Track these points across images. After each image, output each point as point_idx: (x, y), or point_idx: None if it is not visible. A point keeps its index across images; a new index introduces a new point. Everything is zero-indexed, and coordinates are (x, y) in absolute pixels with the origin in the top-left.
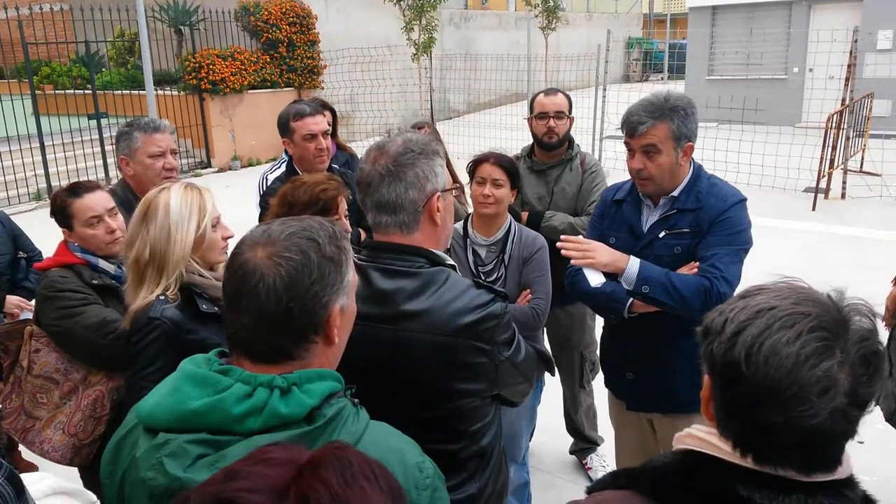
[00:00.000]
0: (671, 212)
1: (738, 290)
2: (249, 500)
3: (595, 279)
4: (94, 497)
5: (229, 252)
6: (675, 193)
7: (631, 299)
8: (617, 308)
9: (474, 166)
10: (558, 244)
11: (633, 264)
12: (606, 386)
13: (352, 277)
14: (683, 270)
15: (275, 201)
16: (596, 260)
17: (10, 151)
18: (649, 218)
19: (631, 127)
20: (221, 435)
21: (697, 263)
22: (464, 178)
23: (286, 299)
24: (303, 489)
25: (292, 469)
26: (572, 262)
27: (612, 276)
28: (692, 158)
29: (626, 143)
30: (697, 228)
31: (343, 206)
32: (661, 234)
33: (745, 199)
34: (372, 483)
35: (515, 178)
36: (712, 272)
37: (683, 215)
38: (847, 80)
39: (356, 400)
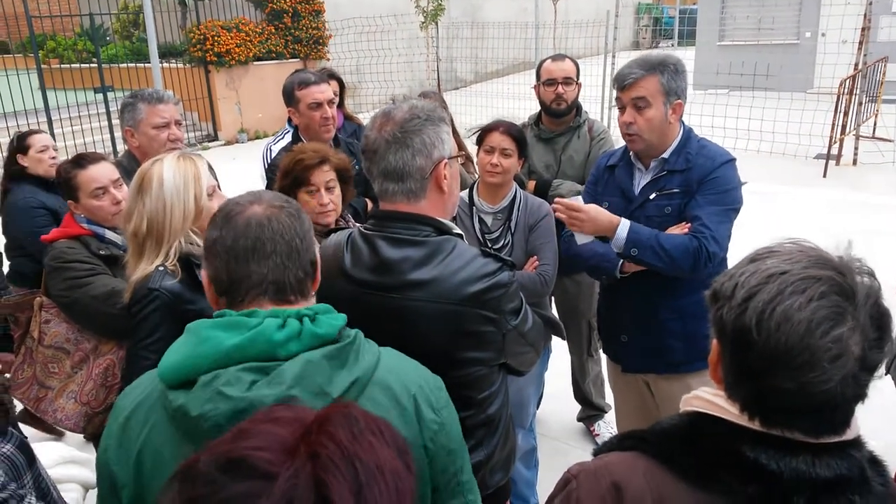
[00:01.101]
0: (661, 174)
1: (743, 253)
2: (260, 457)
3: (581, 237)
4: None
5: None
6: (666, 156)
7: (622, 260)
8: (608, 269)
9: (483, 135)
10: (553, 205)
11: (622, 228)
12: (604, 351)
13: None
14: (674, 230)
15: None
16: (582, 229)
17: (18, 126)
18: (641, 181)
19: (622, 80)
20: (267, 362)
21: (688, 224)
22: (470, 147)
23: (297, 236)
24: (312, 445)
25: (300, 427)
26: (568, 225)
27: (604, 238)
28: (682, 121)
29: (617, 98)
30: (687, 188)
31: (321, 178)
32: (652, 196)
33: (734, 159)
34: (378, 438)
35: (523, 147)
36: (701, 232)
37: (673, 176)
38: (860, 43)
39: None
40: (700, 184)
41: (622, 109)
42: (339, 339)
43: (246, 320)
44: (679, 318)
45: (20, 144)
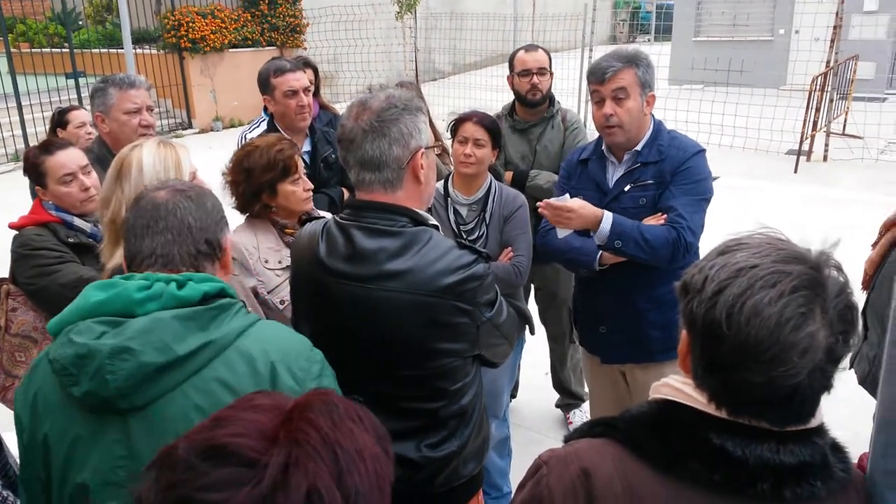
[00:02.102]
0: (635, 166)
1: (714, 244)
2: (241, 443)
3: (562, 231)
4: None
5: None
6: (639, 148)
7: (600, 252)
8: (587, 262)
9: (456, 125)
10: (540, 208)
11: (606, 221)
12: (581, 343)
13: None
14: (650, 221)
15: (230, 167)
16: (569, 225)
17: None
18: (615, 174)
19: (600, 72)
20: (124, 317)
21: (665, 215)
22: (445, 137)
23: (192, 216)
24: (292, 432)
25: (280, 414)
26: (549, 221)
27: (585, 231)
28: (652, 114)
29: (594, 91)
30: (660, 179)
31: (301, 164)
32: (627, 188)
33: (704, 150)
34: (358, 424)
35: (497, 137)
36: (679, 222)
37: (647, 168)
38: (832, 41)
39: (249, 310)
40: (673, 174)
41: (600, 102)
42: (202, 303)
43: (119, 281)
44: (657, 307)
45: (60, 119)
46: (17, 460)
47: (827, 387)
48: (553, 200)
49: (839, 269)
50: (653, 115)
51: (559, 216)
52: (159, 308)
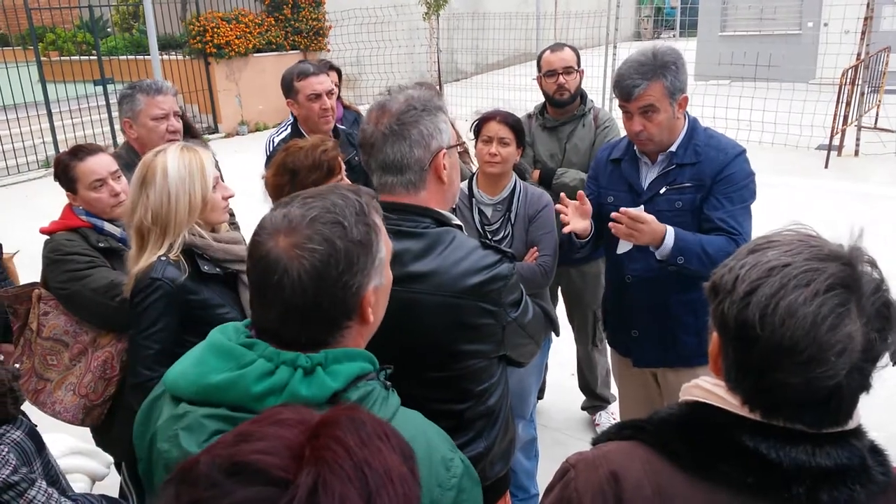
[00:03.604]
0: (670, 167)
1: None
2: (268, 462)
3: (623, 247)
4: (109, 458)
5: (233, 212)
6: (673, 149)
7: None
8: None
9: (480, 124)
10: (614, 215)
11: (669, 237)
12: (610, 344)
13: (385, 252)
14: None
15: (271, 171)
16: (639, 239)
17: (18, 119)
18: (648, 174)
19: (626, 91)
20: (240, 412)
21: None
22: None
23: (313, 293)
24: (318, 449)
25: (306, 430)
26: (614, 232)
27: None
28: (686, 112)
29: (621, 106)
30: (699, 182)
31: (343, 165)
32: (662, 191)
33: (744, 151)
34: (385, 443)
35: (521, 136)
36: (738, 234)
37: (683, 170)
38: (863, 33)
39: (388, 383)
40: (715, 180)
41: (628, 114)
42: (337, 401)
43: (241, 354)
44: (692, 312)
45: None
46: (58, 461)
47: (865, 386)
48: (630, 210)
49: (873, 264)
50: (686, 113)
51: (633, 227)
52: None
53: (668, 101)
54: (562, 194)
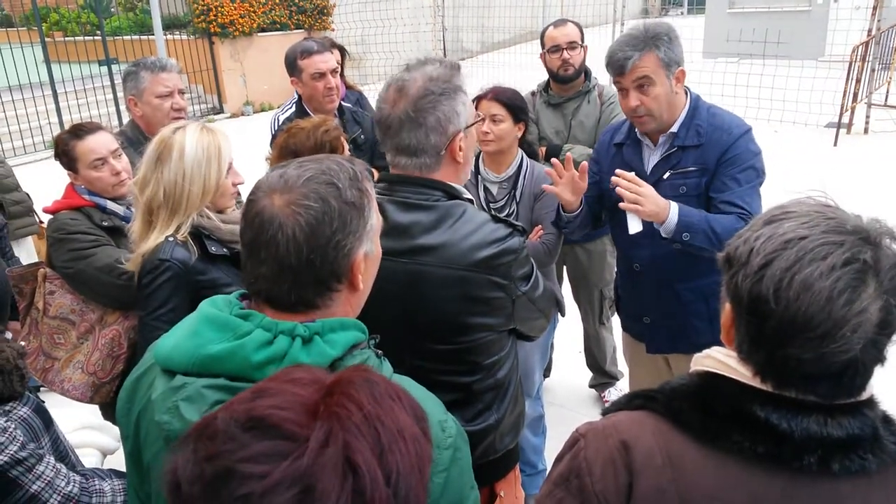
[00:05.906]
0: (672, 150)
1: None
2: (281, 416)
3: (634, 226)
4: (119, 432)
5: (242, 198)
6: (675, 129)
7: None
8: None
9: (475, 103)
10: (612, 178)
11: (673, 212)
12: (624, 329)
13: (375, 221)
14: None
15: (275, 152)
16: (642, 209)
17: (24, 100)
18: (651, 158)
19: (618, 65)
20: (239, 381)
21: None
22: None
23: (307, 250)
24: (332, 407)
25: (320, 388)
26: (620, 205)
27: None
28: (688, 88)
29: (616, 83)
30: (703, 166)
31: (346, 144)
32: (666, 175)
33: (750, 129)
34: (397, 403)
35: (518, 111)
36: (743, 212)
37: (686, 153)
38: (874, 9)
39: (380, 351)
40: (720, 162)
41: (624, 92)
42: (335, 368)
43: (237, 325)
44: (703, 299)
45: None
46: (69, 437)
47: (880, 359)
48: (626, 173)
49: (894, 237)
50: (689, 90)
51: (635, 191)
52: None
53: (663, 72)
54: (553, 159)
